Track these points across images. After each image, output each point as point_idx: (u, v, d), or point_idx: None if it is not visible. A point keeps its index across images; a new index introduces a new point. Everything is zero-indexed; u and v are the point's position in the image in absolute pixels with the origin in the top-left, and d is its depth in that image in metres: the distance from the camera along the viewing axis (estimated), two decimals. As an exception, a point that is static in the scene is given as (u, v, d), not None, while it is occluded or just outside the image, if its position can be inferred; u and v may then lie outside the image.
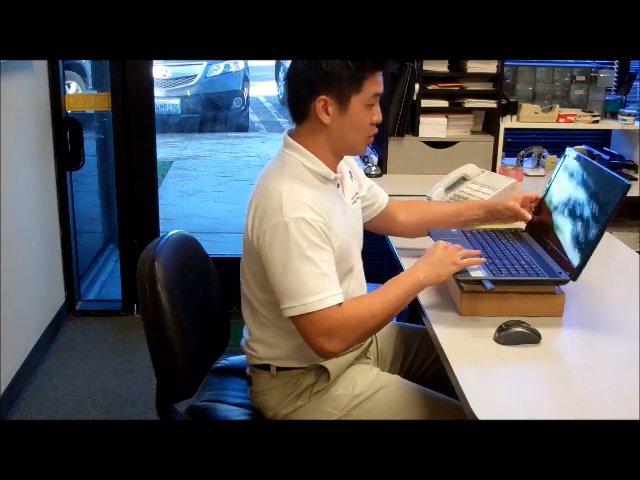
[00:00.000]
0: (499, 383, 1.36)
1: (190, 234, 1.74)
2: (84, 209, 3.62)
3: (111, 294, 3.52)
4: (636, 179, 3.01)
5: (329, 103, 1.47)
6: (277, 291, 1.44)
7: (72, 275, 3.29)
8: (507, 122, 2.94)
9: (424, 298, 1.66)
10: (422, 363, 1.79)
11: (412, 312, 2.38)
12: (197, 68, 7.40)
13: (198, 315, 1.65)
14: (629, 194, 1.51)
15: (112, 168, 3.35)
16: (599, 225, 1.53)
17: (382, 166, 2.90)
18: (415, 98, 2.86)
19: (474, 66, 2.87)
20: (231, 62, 7.54)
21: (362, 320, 1.44)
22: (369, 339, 1.72)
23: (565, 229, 1.67)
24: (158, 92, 6.68)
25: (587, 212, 1.60)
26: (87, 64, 4.25)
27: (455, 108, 2.93)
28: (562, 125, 3.01)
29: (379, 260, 2.83)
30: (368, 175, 2.65)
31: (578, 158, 1.75)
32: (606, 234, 1.54)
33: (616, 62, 3.26)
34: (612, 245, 2.10)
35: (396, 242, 2.04)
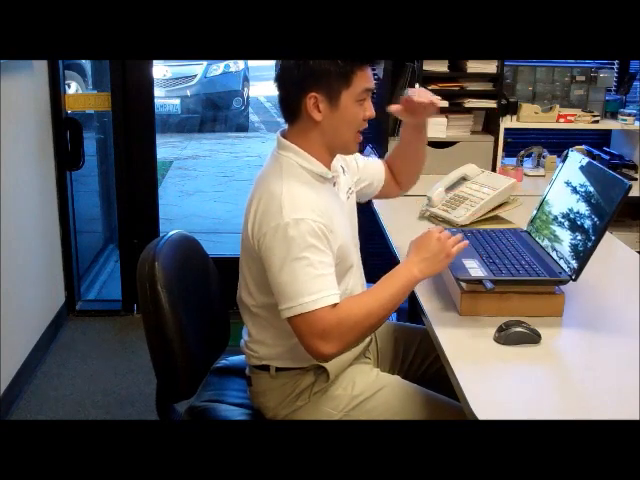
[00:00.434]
0: (499, 383, 1.36)
1: (190, 234, 1.74)
2: (84, 209, 3.62)
3: (111, 294, 3.52)
4: (636, 179, 3.01)
5: (320, 100, 1.46)
6: (275, 292, 1.44)
7: (72, 275, 3.29)
8: (507, 122, 2.94)
9: (424, 298, 1.66)
10: (422, 363, 1.79)
11: (412, 312, 2.38)
12: (197, 68, 7.40)
13: (198, 315, 1.65)
14: (629, 194, 1.51)
15: (112, 168, 3.35)
16: (600, 225, 1.53)
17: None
18: (415, 98, 2.86)
19: (474, 66, 2.87)
20: (231, 62, 7.55)
21: (357, 320, 1.43)
22: (368, 338, 1.72)
23: (566, 230, 1.67)
24: (158, 92, 6.68)
25: (588, 212, 1.60)
26: (87, 64, 4.25)
27: (455, 108, 2.93)
28: (562, 125, 3.01)
29: (379, 260, 2.83)
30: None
31: (579, 159, 1.75)
32: (606, 234, 1.54)
33: (616, 62, 3.26)
34: (612, 245, 2.10)
35: (396, 242, 2.04)
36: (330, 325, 1.40)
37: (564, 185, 1.75)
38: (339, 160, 1.67)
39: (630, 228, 3.00)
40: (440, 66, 2.88)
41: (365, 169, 1.79)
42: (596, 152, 3.16)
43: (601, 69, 3.14)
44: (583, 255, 1.55)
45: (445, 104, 2.91)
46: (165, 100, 7.21)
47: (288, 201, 1.43)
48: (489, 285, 1.52)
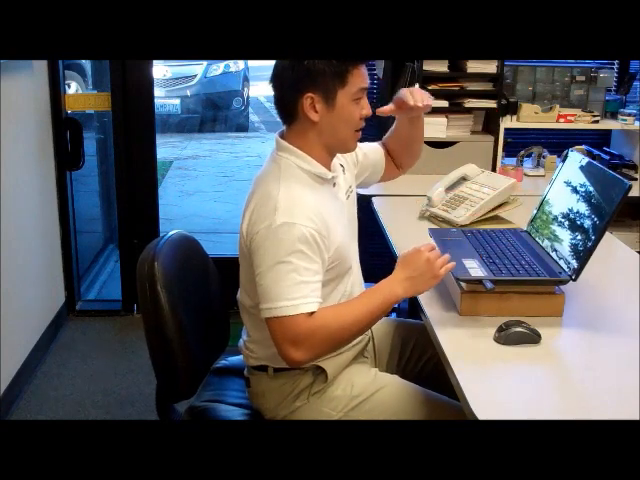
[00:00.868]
0: (499, 383, 1.36)
1: (190, 234, 1.74)
2: (84, 209, 3.62)
3: (111, 294, 3.52)
4: (636, 179, 3.01)
5: (316, 100, 1.46)
6: (258, 291, 1.44)
7: (72, 275, 3.29)
8: (507, 122, 2.94)
9: (424, 298, 1.65)
10: (419, 359, 1.78)
11: (411, 310, 2.38)
12: (197, 68, 7.40)
13: (198, 315, 1.65)
14: (629, 194, 1.51)
15: (112, 168, 3.35)
16: (600, 225, 1.53)
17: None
18: (415, 98, 2.86)
19: (474, 66, 2.87)
20: (231, 62, 7.54)
21: (332, 332, 1.43)
22: (366, 337, 1.72)
23: (566, 229, 1.67)
24: (158, 92, 6.68)
25: (588, 212, 1.60)
26: (87, 64, 4.25)
27: (455, 108, 2.93)
28: (562, 125, 3.01)
29: (379, 260, 2.83)
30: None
31: (579, 159, 1.75)
32: (606, 234, 1.54)
33: (616, 62, 3.26)
34: (612, 245, 2.10)
35: (396, 242, 2.04)
36: (303, 333, 1.40)
37: (564, 185, 1.75)
38: (339, 158, 1.67)
39: (630, 228, 3.00)
40: (440, 66, 2.88)
41: (365, 160, 1.79)
42: (596, 152, 3.16)
43: (601, 69, 3.14)
44: (583, 255, 1.55)
45: (445, 104, 2.92)
46: (165, 100, 7.21)
47: (283, 203, 1.43)
48: (489, 285, 1.52)
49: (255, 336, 1.59)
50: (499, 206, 2.23)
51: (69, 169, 3.20)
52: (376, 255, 2.81)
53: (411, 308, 2.37)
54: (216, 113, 7.83)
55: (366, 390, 1.58)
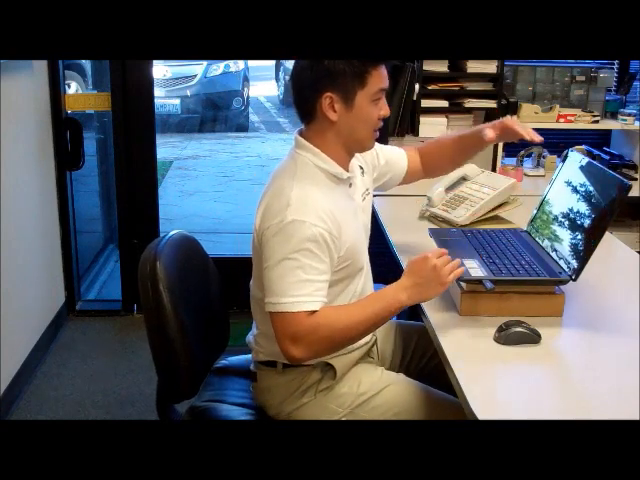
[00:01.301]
0: (499, 383, 1.37)
1: (190, 234, 1.75)
2: (84, 209, 3.62)
3: (111, 294, 3.52)
4: (636, 179, 3.01)
5: (335, 100, 1.46)
6: (264, 285, 1.45)
7: (72, 275, 3.29)
8: (507, 122, 2.93)
9: (424, 298, 1.66)
10: (420, 359, 1.79)
11: (412, 311, 2.38)
12: (197, 68, 7.39)
13: (198, 315, 1.65)
14: (629, 194, 1.51)
15: (112, 168, 3.35)
16: (600, 225, 1.53)
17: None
18: (415, 98, 2.86)
19: (474, 66, 2.87)
20: (231, 62, 7.54)
21: (331, 332, 1.43)
22: (373, 338, 1.72)
23: (566, 229, 1.67)
24: (158, 92, 6.68)
25: (588, 212, 1.60)
26: (87, 64, 4.25)
27: (455, 108, 2.93)
28: (562, 125, 3.01)
29: (379, 260, 2.83)
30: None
31: (579, 159, 1.75)
32: (606, 234, 1.54)
33: (616, 62, 3.26)
34: (612, 245, 2.10)
35: (396, 242, 2.04)
36: (303, 330, 1.40)
37: (564, 185, 1.75)
38: (359, 160, 1.67)
39: (630, 228, 3.00)
40: (440, 66, 2.88)
41: (386, 165, 1.79)
42: (596, 152, 3.17)
43: (601, 69, 3.14)
44: (583, 255, 1.55)
45: (445, 104, 2.92)
46: (165, 100, 7.20)
47: (296, 200, 1.43)
48: (489, 285, 1.52)
49: (265, 330, 1.59)
50: (499, 206, 2.23)
51: (69, 169, 3.20)
52: (376, 255, 2.81)
53: (411, 308, 2.37)
54: (216, 113, 7.82)
55: (372, 388, 1.59)
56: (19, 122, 2.71)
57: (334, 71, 1.45)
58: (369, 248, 1.70)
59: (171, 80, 7.31)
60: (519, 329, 1.45)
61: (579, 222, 1.62)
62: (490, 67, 2.88)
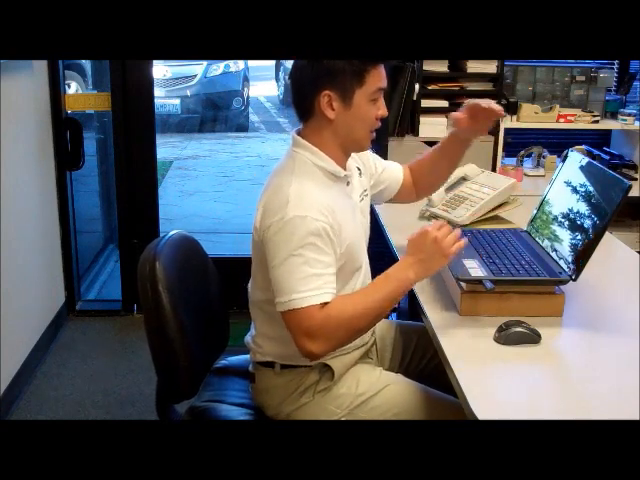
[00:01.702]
0: (499, 383, 1.36)
1: (190, 234, 1.74)
2: (84, 209, 3.62)
3: (111, 294, 3.52)
4: (636, 179, 3.01)
5: (333, 98, 1.47)
6: (273, 285, 1.45)
7: (72, 275, 3.29)
8: (507, 122, 2.94)
9: (424, 298, 1.66)
10: (420, 360, 1.79)
11: (412, 311, 2.38)
12: (197, 68, 7.39)
13: (198, 315, 1.65)
14: (629, 194, 1.51)
15: (112, 168, 3.35)
16: (600, 225, 1.53)
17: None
18: (415, 98, 2.86)
19: (474, 66, 2.87)
20: (231, 62, 7.54)
21: (346, 320, 1.42)
22: (372, 339, 1.72)
23: (566, 229, 1.67)
24: (158, 92, 6.68)
25: (588, 212, 1.60)
26: (87, 64, 4.25)
27: (455, 108, 2.90)
28: (562, 125, 3.01)
29: (379, 260, 2.83)
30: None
31: (579, 159, 1.75)
32: (606, 234, 1.54)
33: (616, 62, 3.26)
34: (612, 245, 2.10)
35: (396, 242, 2.04)
36: (317, 324, 1.40)
37: (564, 185, 1.75)
38: (356, 161, 1.67)
39: (630, 228, 3.00)
40: (440, 66, 2.88)
41: (383, 174, 1.79)
42: (596, 152, 3.17)
43: (601, 69, 3.14)
44: (583, 255, 1.54)
45: (445, 104, 2.92)
46: (165, 100, 7.20)
47: (295, 197, 1.43)
48: (489, 285, 1.52)
49: (263, 331, 1.59)
50: (499, 206, 2.23)
51: (69, 169, 3.20)
52: (376, 255, 2.81)
53: (411, 309, 2.37)
54: (216, 113, 7.83)
55: (371, 388, 1.59)
56: (19, 122, 2.71)
57: (333, 69, 1.45)
58: (369, 248, 1.70)
59: (171, 80, 7.31)
60: (519, 329, 1.45)
61: (579, 222, 1.62)
62: (490, 67, 2.88)
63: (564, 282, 1.57)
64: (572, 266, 1.57)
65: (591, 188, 1.63)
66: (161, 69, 7.11)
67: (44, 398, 2.66)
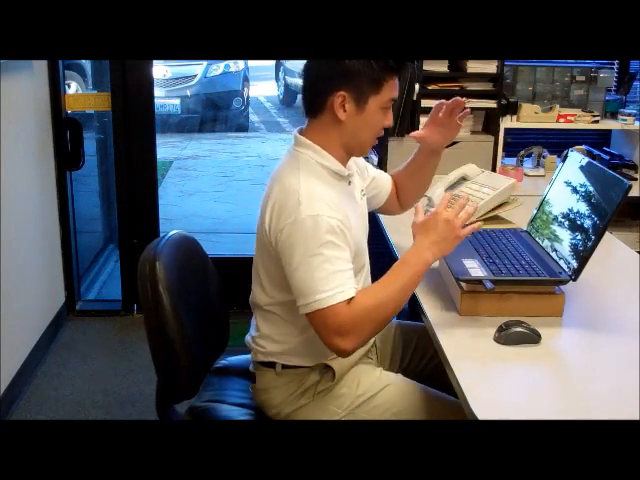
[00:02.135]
0: (499, 383, 1.36)
1: (190, 234, 1.74)
2: (84, 209, 3.62)
3: (111, 294, 3.52)
4: (636, 179, 3.01)
5: (347, 100, 1.46)
6: (293, 288, 1.44)
7: (72, 275, 3.29)
8: (507, 122, 2.94)
9: (424, 298, 1.66)
10: (420, 360, 1.79)
11: (412, 311, 2.38)
12: (197, 68, 7.39)
13: (198, 315, 1.65)
14: (629, 194, 1.51)
15: (112, 168, 3.35)
16: (600, 225, 1.53)
17: (382, 166, 2.90)
18: (415, 98, 2.86)
19: (474, 66, 2.87)
20: (231, 62, 7.54)
21: (372, 312, 1.41)
22: (372, 340, 1.72)
23: (566, 229, 1.67)
24: (158, 92, 6.68)
25: (588, 212, 1.60)
26: (87, 64, 4.25)
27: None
28: (562, 125, 3.01)
29: (379, 260, 2.83)
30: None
31: (579, 159, 1.75)
32: (606, 234, 1.54)
33: (616, 62, 3.26)
34: (612, 245, 2.10)
35: (396, 242, 2.04)
36: (345, 320, 1.39)
37: (564, 185, 1.75)
38: (353, 162, 1.67)
39: (630, 228, 3.00)
40: (440, 66, 2.88)
41: (374, 182, 1.80)
42: (596, 152, 3.17)
43: (601, 69, 3.14)
44: (583, 255, 1.55)
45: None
46: (165, 100, 7.20)
47: (305, 197, 1.43)
48: (489, 285, 1.52)
49: (265, 331, 1.59)
50: (499, 206, 2.23)
51: (69, 169, 3.20)
52: (376, 255, 2.81)
53: (411, 309, 2.37)
54: (216, 113, 7.83)
55: (371, 388, 1.59)
56: (19, 122, 2.71)
57: (352, 71, 1.45)
58: (369, 248, 1.70)
59: (171, 80, 7.31)
60: (519, 329, 1.45)
61: (579, 222, 1.62)
62: (490, 67, 2.87)
63: (564, 282, 1.57)
64: (572, 266, 1.57)
65: (591, 188, 1.63)
66: (161, 69, 7.11)
67: (44, 398, 2.66)
